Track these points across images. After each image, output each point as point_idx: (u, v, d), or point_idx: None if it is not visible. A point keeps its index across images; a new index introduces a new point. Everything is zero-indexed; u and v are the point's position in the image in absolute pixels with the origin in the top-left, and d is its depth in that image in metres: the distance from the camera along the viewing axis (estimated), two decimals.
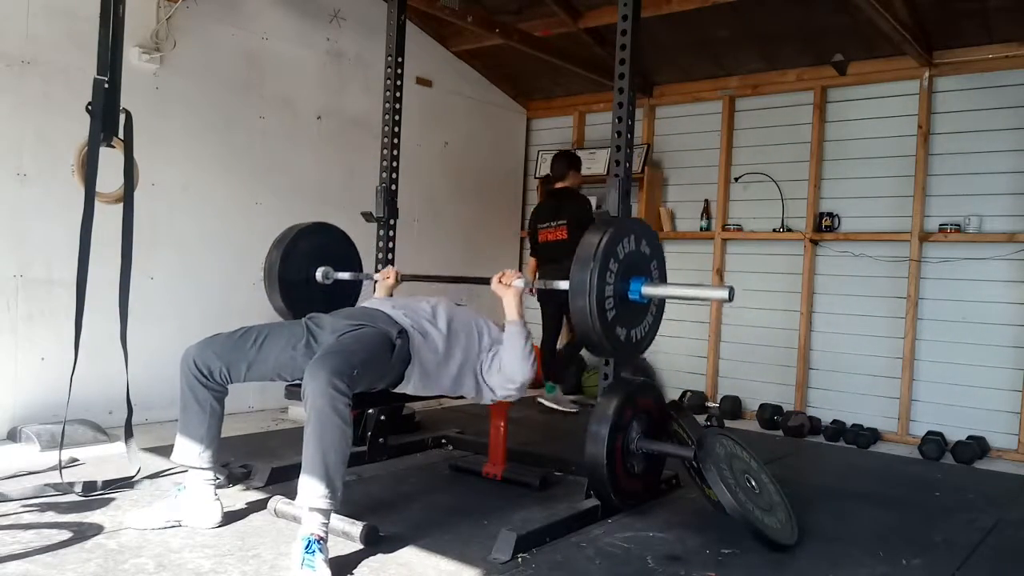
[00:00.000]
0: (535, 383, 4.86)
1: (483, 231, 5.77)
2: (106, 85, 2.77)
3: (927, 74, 4.54)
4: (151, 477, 2.95)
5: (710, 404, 5.23)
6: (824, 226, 4.91)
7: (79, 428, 3.35)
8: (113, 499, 2.70)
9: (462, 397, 2.94)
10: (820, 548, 2.59)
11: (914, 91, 4.61)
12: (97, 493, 2.74)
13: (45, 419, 3.43)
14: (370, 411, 3.34)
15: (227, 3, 4.26)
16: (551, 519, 2.57)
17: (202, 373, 2.47)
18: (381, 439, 3.40)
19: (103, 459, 3.19)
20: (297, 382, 2.59)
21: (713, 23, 4.70)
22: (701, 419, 4.80)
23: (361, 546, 2.33)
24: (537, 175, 5.99)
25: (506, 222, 6.10)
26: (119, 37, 2.82)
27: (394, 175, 3.67)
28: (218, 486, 2.57)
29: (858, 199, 4.83)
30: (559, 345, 5.08)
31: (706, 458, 2.61)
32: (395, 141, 3.67)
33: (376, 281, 3.29)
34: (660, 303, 2.72)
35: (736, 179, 5.27)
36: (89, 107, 2.76)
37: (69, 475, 2.85)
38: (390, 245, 3.64)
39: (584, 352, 5.33)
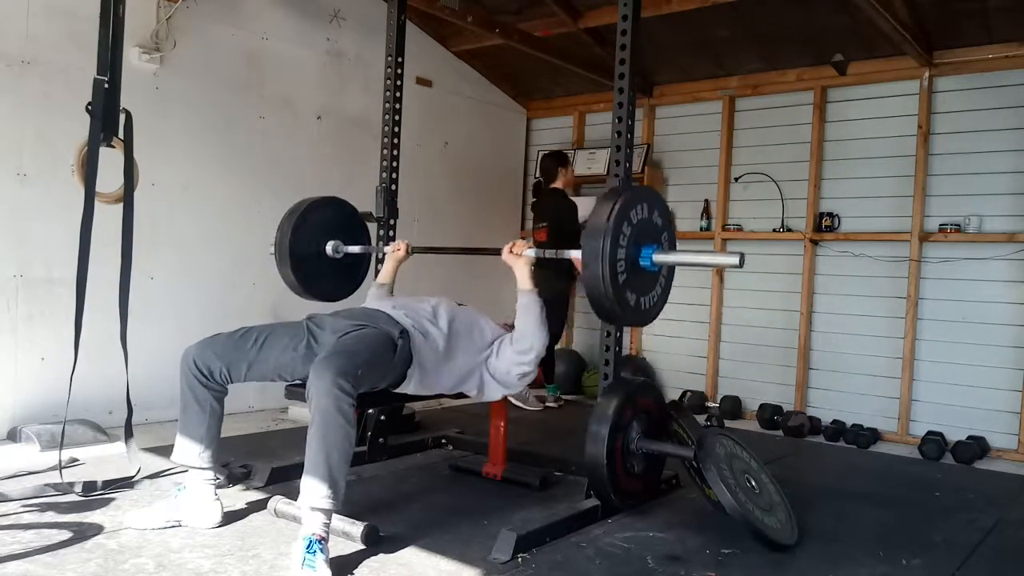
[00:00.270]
0: (536, 383, 4.87)
1: (483, 231, 5.76)
2: (106, 85, 2.78)
3: (927, 74, 4.54)
4: (151, 477, 2.95)
5: (710, 404, 5.23)
6: (824, 226, 4.91)
7: (79, 428, 3.35)
8: (113, 499, 2.70)
9: (463, 397, 2.94)
10: (820, 548, 2.59)
11: (914, 91, 4.61)
12: (97, 493, 2.74)
13: (45, 419, 3.43)
14: (370, 411, 3.34)
15: (227, 3, 4.26)
16: (551, 519, 2.57)
17: (202, 373, 2.47)
18: (381, 439, 3.40)
19: (103, 459, 3.19)
20: (297, 382, 2.60)
21: (713, 23, 4.70)
22: (701, 419, 4.80)
23: (361, 546, 2.33)
24: (537, 175, 6.00)
25: (506, 222, 6.10)
26: (119, 37, 2.82)
27: (394, 175, 3.67)
28: (218, 486, 2.57)
29: (858, 199, 4.83)
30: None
31: (706, 458, 2.61)
32: (395, 141, 3.67)
33: (386, 255, 3.30)
34: (669, 274, 2.72)
35: (736, 179, 5.27)
36: (89, 107, 2.77)
37: (69, 475, 2.85)
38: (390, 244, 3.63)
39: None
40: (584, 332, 6.06)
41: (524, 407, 4.95)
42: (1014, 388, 4.24)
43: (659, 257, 2.54)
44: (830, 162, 4.94)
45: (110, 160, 2.84)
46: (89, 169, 2.76)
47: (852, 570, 2.42)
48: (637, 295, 2.55)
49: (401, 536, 2.47)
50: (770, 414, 4.84)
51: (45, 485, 2.72)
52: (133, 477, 2.88)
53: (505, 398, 3.21)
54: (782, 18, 4.53)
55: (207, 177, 4.20)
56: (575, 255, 2.59)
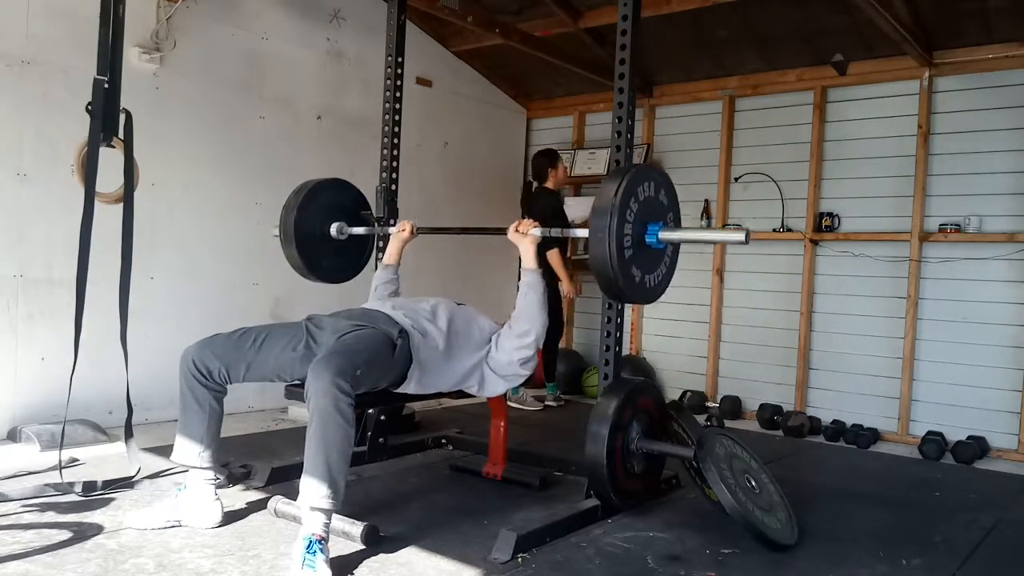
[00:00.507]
0: (536, 383, 4.86)
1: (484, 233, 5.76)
2: (106, 85, 2.78)
3: (927, 74, 4.54)
4: (151, 477, 2.95)
5: (710, 404, 5.23)
6: (824, 226, 4.91)
7: (79, 428, 3.35)
8: (113, 499, 2.70)
9: (463, 396, 2.95)
10: (820, 548, 2.59)
11: (914, 91, 4.61)
12: (97, 493, 2.74)
13: (45, 419, 3.43)
14: (370, 411, 3.34)
15: (227, 3, 4.26)
16: (551, 519, 2.57)
17: (201, 373, 2.47)
18: (381, 439, 3.40)
19: (103, 459, 3.19)
20: (297, 382, 2.60)
21: (713, 23, 4.70)
22: (701, 419, 4.80)
23: (361, 546, 2.33)
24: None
25: (506, 222, 6.02)
26: (119, 37, 2.82)
27: (394, 175, 3.67)
28: (218, 486, 2.57)
29: (858, 199, 4.83)
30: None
31: (706, 458, 2.61)
32: (395, 141, 3.67)
33: (391, 235, 3.32)
34: (674, 252, 2.74)
35: (736, 179, 5.27)
36: (89, 107, 2.77)
37: (69, 475, 2.85)
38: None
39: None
40: (584, 332, 6.06)
41: (524, 407, 4.95)
42: (1014, 388, 4.24)
43: (665, 235, 2.56)
44: (830, 162, 4.94)
45: (110, 160, 2.84)
46: (89, 169, 2.76)
47: (852, 570, 2.42)
48: (643, 272, 2.57)
49: (401, 536, 2.47)
50: (770, 414, 4.84)
51: (45, 485, 2.72)
52: (133, 477, 2.88)
53: (505, 398, 3.22)
54: (782, 18, 4.53)
55: (207, 177, 4.20)
56: (582, 233, 2.61)
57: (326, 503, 2.18)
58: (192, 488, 2.48)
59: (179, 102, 4.06)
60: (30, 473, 2.95)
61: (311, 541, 2.12)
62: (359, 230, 3.41)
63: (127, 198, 2.88)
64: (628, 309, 5.56)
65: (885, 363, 4.67)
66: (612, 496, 2.71)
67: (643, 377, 4.74)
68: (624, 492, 2.76)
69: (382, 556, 2.30)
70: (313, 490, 2.18)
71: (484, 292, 5.33)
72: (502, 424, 3.21)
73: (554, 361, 5.18)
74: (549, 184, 4.95)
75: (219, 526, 2.46)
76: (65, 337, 2.87)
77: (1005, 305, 4.32)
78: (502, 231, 2.94)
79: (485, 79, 5.92)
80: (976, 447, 4.13)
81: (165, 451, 2.81)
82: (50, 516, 2.50)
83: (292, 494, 2.52)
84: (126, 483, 2.84)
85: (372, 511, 2.68)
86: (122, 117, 2.84)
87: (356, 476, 3.11)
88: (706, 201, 5.39)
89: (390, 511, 2.74)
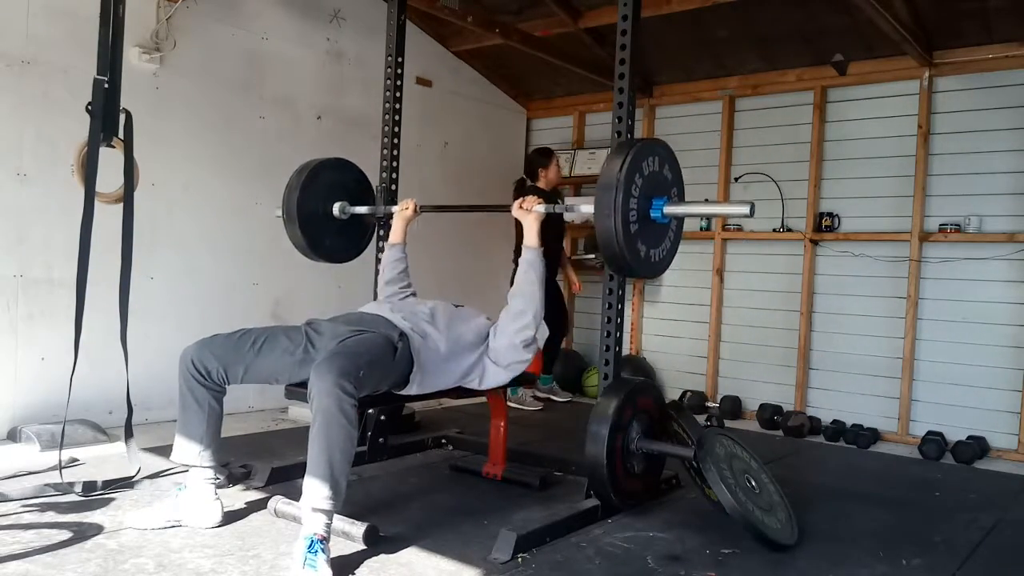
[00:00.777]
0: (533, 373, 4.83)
1: (483, 231, 5.76)
2: (106, 85, 2.78)
3: (927, 74, 4.54)
4: (151, 477, 2.95)
5: (710, 404, 5.23)
6: (824, 226, 4.91)
7: (79, 428, 3.35)
8: (113, 499, 2.70)
9: (463, 396, 2.94)
10: (820, 548, 2.59)
11: (914, 91, 4.61)
12: (97, 493, 2.74)
13: (45, 419, 3.43)
14: (370, 411, 3.34)
15: (227, 3, 4.26)
16: (551, 519, 2.57)
17: (200, 372, 2.47)
18: (381, 439, 3.40)
19: (103, 459, 3.19)
20: (296, 382, 2.60)
21: (713, 23, 4.70)
22: (701, 419, 4.80)
23: (362, 546, 2.33)
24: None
25: (506, 222, 6.08)
26: (119, 37, 2.82)
27: (394, 175, 3.67)
28: (218, 486, 2.57)
29: (858, 199, 4.83)
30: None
31: (706, 458, 2.61)
32: (395, 141, 3.67)
33: (394, 214, 3.33)
34: (678, 227, 2.76)
35: (736, 179, 5.27)
36: (89, 107, 2.77)
37: (69, 475, 2.85)
38: None
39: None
40: (584, 332, 6.06)
41: (524, 407, 4.95)
42: (1014, 388, 4.24)
43: (669, 209, 2.57)
44: (830, 162, 4.94)
45: (110, 160, 2.84)
46: (89, 169, 2.76)
47: (852, 570, 2.42)
48: (648, 247, 2.58)
49: (401, 536, 2.47)
50: (770, 414, 4.84)
51: (45, 485, 2.72)
52: (133, 477, 2.88)
53: (505, 398, 3.22)
54: (782, 18, 4.53)
55: (207, 177, 4.20)
56: (587, 210, 2.63)
57: (328, 504, 2.18)
58: (192, 488, 2.48)
59: (179, 102, 4.06)
60: (30, 473, 2.95)
61: (312, 540, 2.12)
62: (362, 209, 3.42)
63: (127, 198, 2.88)
64: (628, 309, 5.57)
65: (885, 363, 4.67)
66: (612, 496, 2.71)
67: (643, 377, 4.75)
68: (624, 492, 2.76)
69: (382, 556, 2.30)
70: (315, 491, 2.18)
71: (483, 294, 5.33)
72: (502, 424, 3.21)
73: (554, 357, 5.19)
74: (540, 184, 4.91)
75: (219, 526, 2.46)
76: (65, 337, 2.87)
77: (1005, 305, 4.32)
78: (506, 208, 2.94)
79: (485, 79, 5.92)
80: (976, 447, 4.13)
81: (165, 451, 2.81)
82: (50, 516, 2.50)
83: (292, 494, 2.52)
84: (126, 483, 2.84)
85: (372, 511, 2.68)
86: (122, 117, 2.84)
87: (356, 476, 3.11)
88: (706, 201, 5.39)
89: (390, 511, 2.74)
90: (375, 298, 3.60)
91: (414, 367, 2.60)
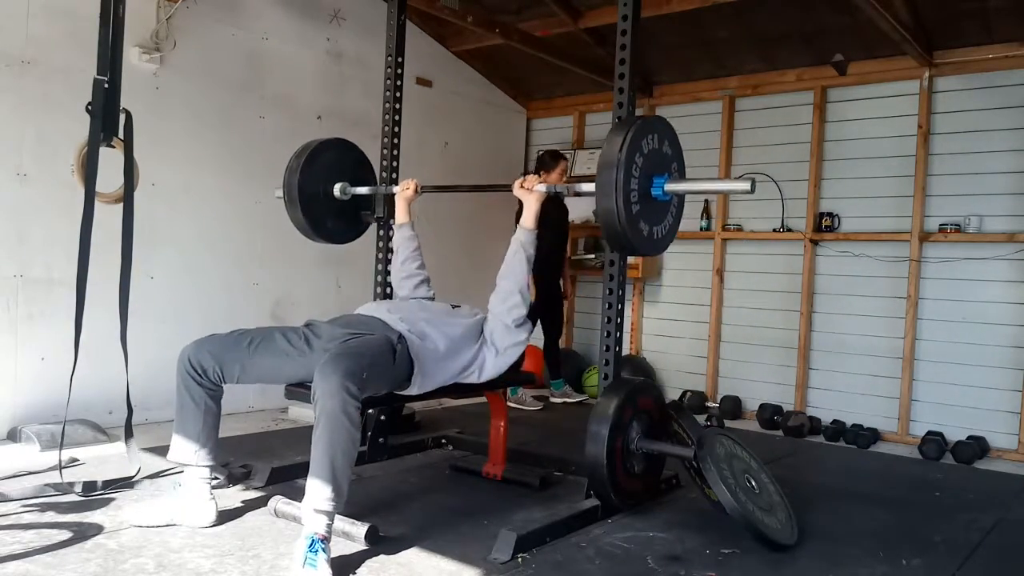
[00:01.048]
0: (537, 384, 4.85)
1: (483, 231, 5.76)
2: (106, 85, 2.78)
3: (927, 74, 4.54)
4: (151, 477, 2.95)
5: (710, 404, 5.23)
6: (824, 226, 4.91)
7: (79, 428, 3.35)
8: (113, 499, 2.70)
9: (463, 396, 2.94)
10: (820, 548, 2.59)
11: (914, 91, 4.61)
12: (97, 493, 2.74)
13: (45, 419, 3.43)
14: (370, 411, 3.34)
15: (227, 3, 4.26)
16: (551, 519, 2.57)
17: (196, 371, 2.47)
18: (381, 439, 3.40)
19: (103, 459, 3.19)
20: (295, 383, 2.60)
21: (713, 23, 4.70)
22: (701, 419, 4.80)
23: (363, 546, 2.33)
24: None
25: (506, 222, 6.09)
26: (119, 37, 2.82)
27: (394, 175, 3.66)
28: (219, 486, 2.57)
29: (858, 199, 4.83)
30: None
31: (706, 458, 2.61)
32: (395, 141, 3.67)
33: (395, 194, 3.34)
34: (679, 203, 2.76)
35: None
36: (89, 107, 2.77)
37: (69, 475, 2.85)
38: (390, 245, 3.63)
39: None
40: (584, 332, 6.06)
41: (524, 407, 4.95)
42: (1014, 388, 4.24)
43: (670, 186, 2.57)
44: (830, 162, 4.94)
45: (110, 160, 2.84)
46: (89, 169, 2.76)
47: (852, 570, 2.42)
48: (650, 225, 2.58)
49: (401, 536, 2.47)
50: (770, 414, 4.84)
51: (45, 485, 2.72)
52: (133, 477, 2.88)
53: (505, 398, 3.22)
54: (782, 18, 4.53)
55: (207, 177, 4.20)
56: (588, 187, 2.64)
57: (329, 505, 2.18)
58: (187, 487, 2.48)
59: (179, 102, 4.06)
60: (30, 473, 2.95)
61: (313, 540, 2.13)
62: (363, 189, 3.42)
63: (127, 198, 2.88)
64: (628, 309, 5.57)
65: (885, 363, 4.67)
66: (612, 496, 2.71)
67: (643, 377, 4.75)
68: (624, 492, 2.76)
69: (383, 556, 2.30)
70: (317, 492, 2.18)
71: (484, 292, 5.33)
72: (502, 424, 3.21)
73: (557, 360, 5.20)
74: None
75: (213, 525, 2.46)
76: (65, 337, 2.87)
77: (1005, 305, 4.32)
78: (507, 188, 2.95)
79: (485, 79, 5.92)
80: (976, 447, 4.13)
81: (165, 451, 2.80)
82: (50, 516, 2.50)
83: (292, 494, 2.53)
84: (126, 483, 2.84)
85: (372, 511, 2.68)
86: (122, 117, 2.84)
87: (357, 476, 3.10)
88: (706, 201, 5.39)
89: (390, 511, 2.74)
90: (375, 299, 3.61)
91: (414, 368, 2.60)
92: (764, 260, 5.18)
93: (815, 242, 4.94)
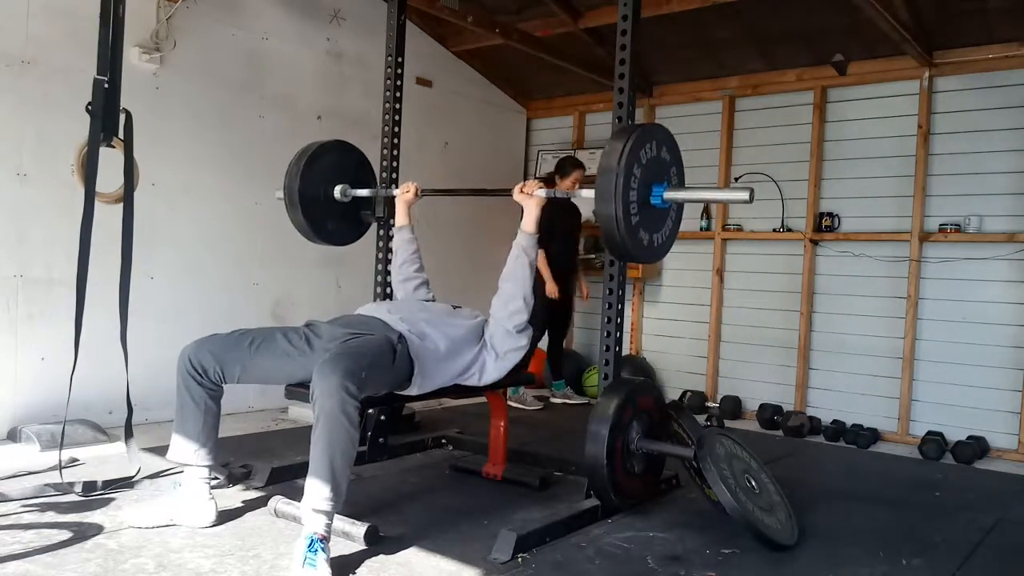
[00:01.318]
0: (537, 384, 4.86)
1: (483, 231, 5.76)
2: (106, 85, 2.78)
3: (927, 74, 4.54)
4: (151, 477, 2.95)
5: (710, 404, 5.23)
6: (824, 226, 4.91)
7: (79, 428, 3.35)
8: (113, 499, 2.70)
9: (463, 396, 2.94)
10: (820, 548, 2.59)
11: (914, 91, 4.61)
12: (97, 493, 2.74)
13: (45, 419, 3.43)
14: (370, 411, 3.34)
15: (227, 3, 4.26)
16: (551, 519, 2.57)
17: (196, 371, 2.47)
18: (381, 439, 3.40)
19: (103, 459, 3.19)
20: (294, 383, 2.60)
21: (713, 23, 4.70)
22: (701, 419, 4.80)
23: (362, 546, 2.33)
24: (537, 175, 6.01)
25: (506, 221, 6.09)
26: (119, 37, 2.82)
27: (394, 175, 3.67)
28: (219, 486, 2.57)
29: (858, 199, 4.83)
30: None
31: (706, 458, 2.61)
32: (395, 141, 3.67)
33: (396, 196, 3.34)
34: (679, 208, 2.76)
35: (736, 179, 5.26)
36: (89, 107, 2.77)
37: (69, 475, 2.85)
38: (390, 245, 3.63)
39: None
40: (584, 332, 6.06)
41: (524, 407, 4.95)
42: (1014, 388, 4.24)
43: (669, 195, 2.58)
44: (830, 162, 4.94)
45: (110, 160, 2.84)
46: (89, 169, 2.76)
47: (852, 570, 2.42)
48: (650, 233, 2.58)
49: (401, 536, 2.47)
50: (770, 414, 4.84)
51: (45, 485, 2.72)
52: (133, 477, 2.88)
53: (505, 398, 3.22)
54: (782, 18, 4.53)
55: (207, 177, 4.20)
56: (588, 194, 2.64)
57: (328, 505, 2.19)
58: (187, 487, 2.48)
59: (179, 102, 4.06)
60: (30, 473, 2.95)
61: (313, 540, 2.13)
62: (363, 192, 3.42)
63: (127, 198, 2.88)
64: (628, 309, 5.57)
65: (885, 363, 4.67)
66: (612, 496, 2.71)
67: (643, 377, 4.75)
68: (624, 492, 2.76)
69: (382, 556, 2.30)
70: (316, 492, 2.18)
71: (486, 295, 5.33)
72: (502, 424, 3.21)
73: (560, 361, 5.20)
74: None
75: (213, 525, 2.46)
76: (65, 337, 2.87)
77: (1005, 305, 4.32)
78: (507, 192, 2.94)
79: (485, 79, 5.92)
80: (976, 447, 4.13)
81: (165, 451, 2.80)
82: (50, 516, 2.50)
83: (292, 494, 2.53)
84: (126, 483, 2.84)
85: (372, 511, 2.68)
86: (122, 117, 2.84)
87: (356, 476, 3.10)
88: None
89: (390, 511, 2.74)
90: (375, 299, 3.61)
91: (414, 369, 2.60)
92: (764, 260, 5.18)
93: (815, 242, 4.94)
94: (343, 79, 4.88)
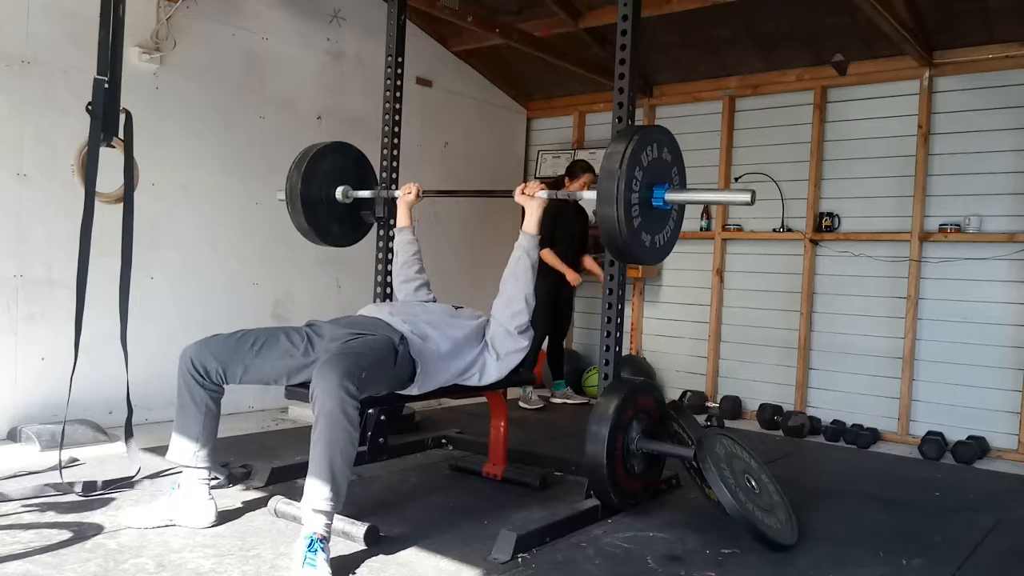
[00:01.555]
0: (536, 384, 4.85)
1: (483, 231, 5.77)
2: (106, 85, 2.78)
3: (927, 74, 4.54)
4: (151, 477, 2.95)
5: (710, 404, 5.23)
6: (824, 226, 4.91)
7: (79, 428, 3.35)
8: (113, 499, 2.70)
9: (463, 396, 2.94)
10: (820, 548, 2.60)
11: (914, 91, 4.61)
12: (97, 493, 2.74)
13: (45, 419, 3.43)
14: (370, 411, 3.34)
15: (227, 3, 4.26)
16: (551, 519, 2.57)
17: (198, 372, 2.47)
18: (381, 439, 3.40)
19: (103, 459, 3.19)
20: (295, 383, 2.60)
21: (713, 23, 4.70)
22: (701, 419, 4.80)
23: (362, 546, 2.33)
24: (537, 175, 6.01)
25: (506, 222, 6.10)
26: (119, 37, 2.82)
27: (394, 175, 3.67)
28: (219, 486, 2.57)
29: (858, 199, 4.83)
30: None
31: (706, 458, 2.61)
32: (395, 141, 3.67)
33: (397, 197, 3.35)
34: (681, 209, 2.77)
35: (736, 179, 5.26)
36: (89, 107, 2.77)
37: (69, 475, 2.85)
38: (390, 245, 3.63)
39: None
40: (584, 332, 6.06)
41: (525, 407, 4.95)
42: (1014, 388, 4.24)
43: (671, 196, 2.58)
44: (830, 162, 4.94)
45: (110, 160, 2.84)
46: (89, 169, 2.76)
47: (852, 570, 2.42)
48: (651, 235, 2.59)
49: (401, 536, 2.47)
50: (770, 414, 4.84)
51: (45, 485, 2.72)
52: (133, 477, 2.88)
53: (505, 397, 3.22)
54: (782, 18, 4.53)
55: (207, 177, 4.20)
56: (590, 196, 2.64)
57: (328, 505, 2.19)
58: (186, 487, 2.48)
59: (179, 102, 4.06)
60: (30, 473, 2.95)
61: (312, 540, 2.13)
62: (364, 193, 3.43)
63: (127, 198, 2.88)
64: (628, 309, 5.57)
65: (885, 363, 4.67)
66: (612, 496, 2.71)
67: (643, 377, 4.75)
68: (624, 492, 2.76)
69: (382, 556, 2.30)
70: (316, 492, 2.19)
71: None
72: (502, 424, 3.21)
73: (560, 361, 5.21)
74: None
75: (212, 526, 2.46)
76: (65, 337, 2.87)
77: (1005, 305, 4.32)
78: (508, 194, 2.95)
79: (485, 79, 5.92)
80: (976, 447, 4.13)
81: (165, 451, 2.80)
82: (50, 516, 2.50)
83: (292, 494, 2.53)
84: (126, 483, 2.84)
85: (372, 511, 2.68)
86: (122, 117, 2.84)
87: (357, 476, 3.10)
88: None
89: (390, 511, 2.74)
90: (375, 299, 3.61)
91: (416, 369, 2.60)
92: (764, 260, 5.18)
93: (815, 242, 4.94)
94: (343, 79, 4.88)
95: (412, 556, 2.32)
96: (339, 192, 3.37)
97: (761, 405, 4.96)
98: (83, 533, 2.35)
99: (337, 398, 2.20)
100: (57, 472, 2.81)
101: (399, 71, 3.65)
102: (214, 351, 2.49)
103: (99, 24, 2.78)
